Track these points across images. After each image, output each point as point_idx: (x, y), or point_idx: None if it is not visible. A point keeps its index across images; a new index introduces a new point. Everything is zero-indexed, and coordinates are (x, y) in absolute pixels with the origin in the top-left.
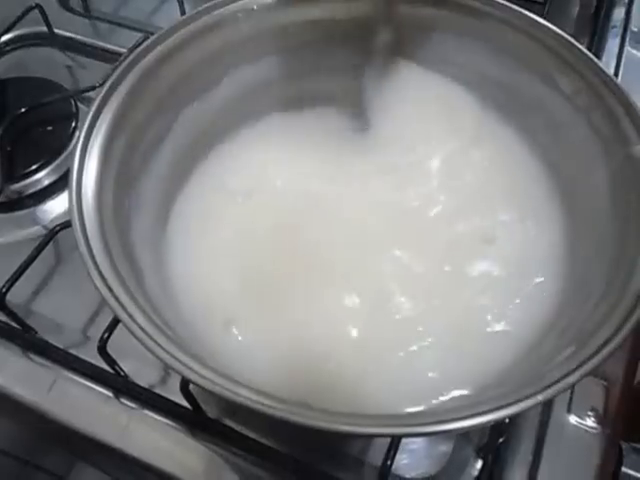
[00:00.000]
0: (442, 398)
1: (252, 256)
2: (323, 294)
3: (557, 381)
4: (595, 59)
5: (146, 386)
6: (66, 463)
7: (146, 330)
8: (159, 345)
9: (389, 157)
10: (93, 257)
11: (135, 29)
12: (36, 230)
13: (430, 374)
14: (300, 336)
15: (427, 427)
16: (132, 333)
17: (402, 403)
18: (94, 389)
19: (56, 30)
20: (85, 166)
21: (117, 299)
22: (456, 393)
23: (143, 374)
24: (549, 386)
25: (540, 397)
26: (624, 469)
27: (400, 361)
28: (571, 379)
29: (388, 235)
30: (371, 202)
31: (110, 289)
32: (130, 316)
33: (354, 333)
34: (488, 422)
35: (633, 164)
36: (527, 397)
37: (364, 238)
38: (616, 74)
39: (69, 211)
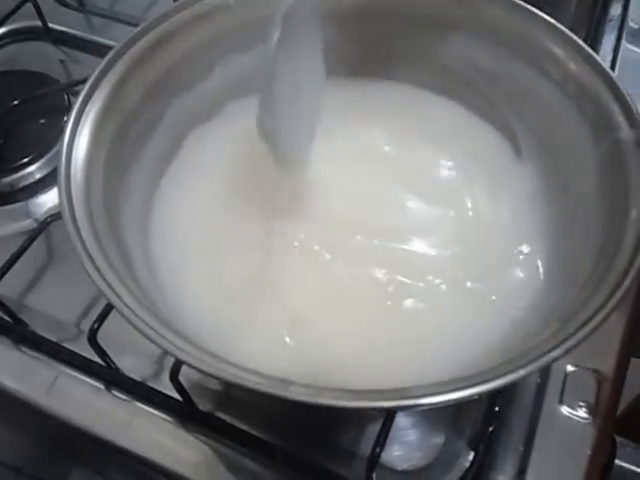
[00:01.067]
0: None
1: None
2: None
3: (541, 356)
4: (585, 46)
5: (139, 379)
6: (60, 471)
7: (136, 312)
8: (150, 327)
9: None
10: (82, 240)
11: (130, 24)
12: (28, 223)
13: (412, 354)
14: (279, 318)
15: (412, 400)
16: (121, 313)
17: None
18: (88, 382)
19: (50, 24)
20: (74, 151)
21: (106, 280)
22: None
23: (136, 368)
24: (532, 360)
25: (522, 371)
26: (617, 462)
27: (381, 344)
28: (554, 354)
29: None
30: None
31: (98, 270)
32: (119, 297)
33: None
34: (472, 395)
35: (621, 149)
36: (511, 371)
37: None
38: (612, 69)
39: (58, 192)
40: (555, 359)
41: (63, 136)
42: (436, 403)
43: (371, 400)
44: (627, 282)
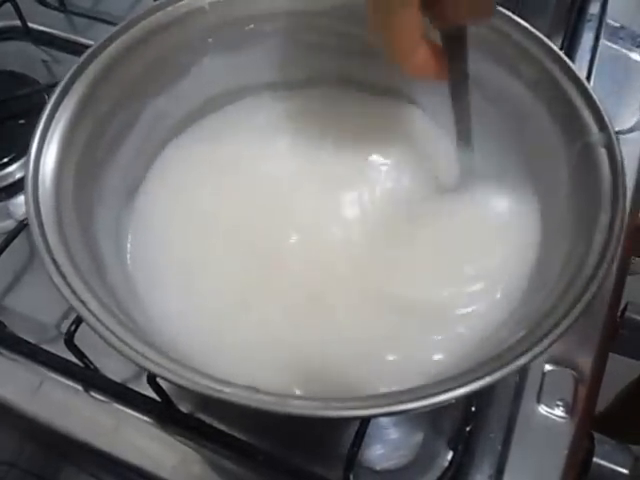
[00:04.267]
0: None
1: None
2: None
3: (508, 363)
4: (557, 50)
5: (118, 381)
6: (52, 468)
7: (102, 320)
8: (121, 340)
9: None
10: (48, 247)
11: (111, 23)
12: (8, 224)
13: (386, 362)
14: (257, 325)
15: (382, 408)
16: (85, 320)
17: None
18: (67, 384)
19: (30, 24)
20: (43, 155)
21: (71, 287)
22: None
23: (115, 369)
24: (499, 368)
25: (489, 379)
26: (595, 459)
27: (357, 351)
28: (521, 361)
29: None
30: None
31: (64, 277)
32: (85, 305)
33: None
34: (440, 403)
35: (591, 153)
36: (478, 378)
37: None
38: (590, 67)
39: (24, 199)
40: (521, 366)
41: (31, 143)
42: (406, 410)
43: (342, 410)
44: (593, 289)
